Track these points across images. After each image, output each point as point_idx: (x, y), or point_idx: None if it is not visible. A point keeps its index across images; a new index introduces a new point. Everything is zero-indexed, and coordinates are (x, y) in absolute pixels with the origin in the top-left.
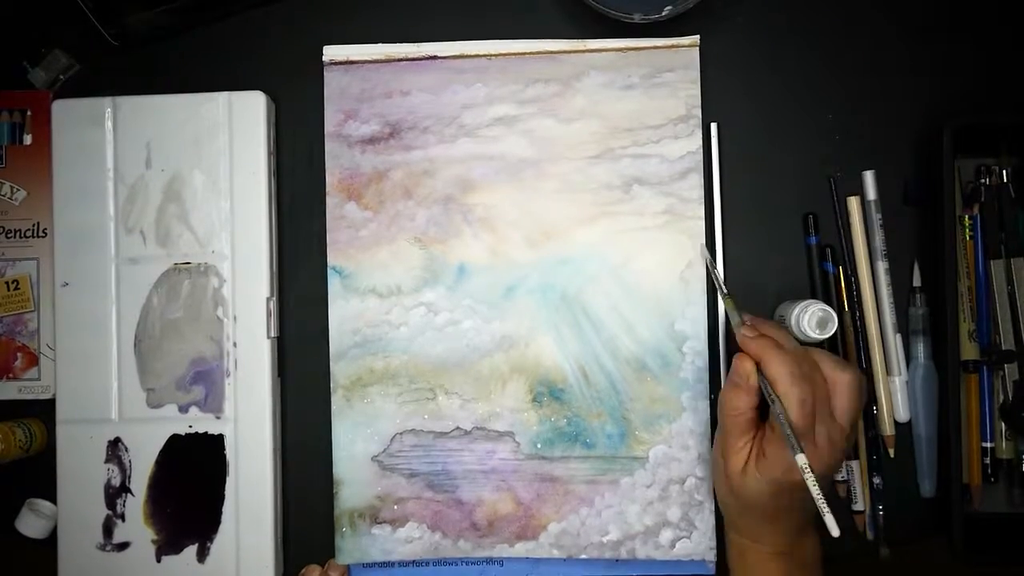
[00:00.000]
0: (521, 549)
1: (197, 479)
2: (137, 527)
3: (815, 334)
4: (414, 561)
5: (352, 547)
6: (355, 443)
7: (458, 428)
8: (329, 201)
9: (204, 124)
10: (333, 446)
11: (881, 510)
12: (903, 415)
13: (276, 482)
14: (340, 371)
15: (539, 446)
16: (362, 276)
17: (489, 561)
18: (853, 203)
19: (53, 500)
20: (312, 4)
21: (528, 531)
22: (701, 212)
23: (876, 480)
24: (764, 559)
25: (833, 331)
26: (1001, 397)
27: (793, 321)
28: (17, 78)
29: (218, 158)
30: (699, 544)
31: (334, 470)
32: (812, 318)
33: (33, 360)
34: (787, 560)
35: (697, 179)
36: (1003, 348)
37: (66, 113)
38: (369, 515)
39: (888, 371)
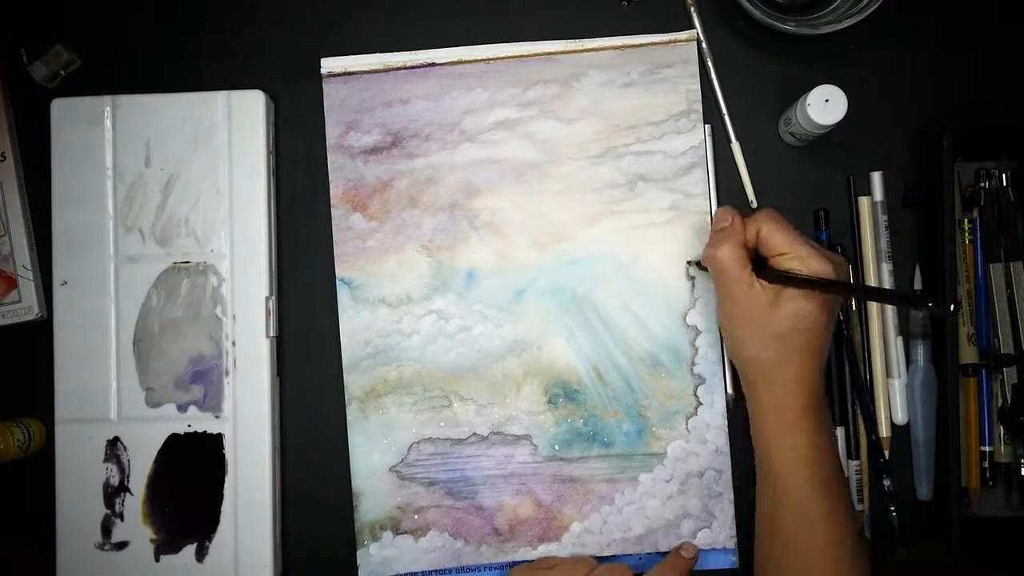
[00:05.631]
0: (544, 551)
1: (196, 478)
2: (136, 526)
3: (819, 118)
4: (437, 570)
5: (375, 559)
6: (372, 455)
7: (475, 434)
8: (334, 213)
9: (203, 123)
10: (350, 459)
11: (894, 511)
12: (901, 418)
13: (275, 481)
14: (353, 383)
15: (557, 448)
16: (371, 287)
17: (513, 565)
18: (864, 203)
19: (52, 500)
20: (311, 6)
21: (550, 533)
22: (706, 207)
23: (887, 482)
24: (794, 419)
25: (842, 116)
26: (1000, 401)
27: (797, 111)
28: (17, 72)
29: (217, 157)
30: (720, 533)
31: (352, 483)
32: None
33: (11, 284)
34: (815, 416)
35: (701, 174)
36: (1002, 352)
37: (65, 112)
38: (390, 526)
39: (888, 373)
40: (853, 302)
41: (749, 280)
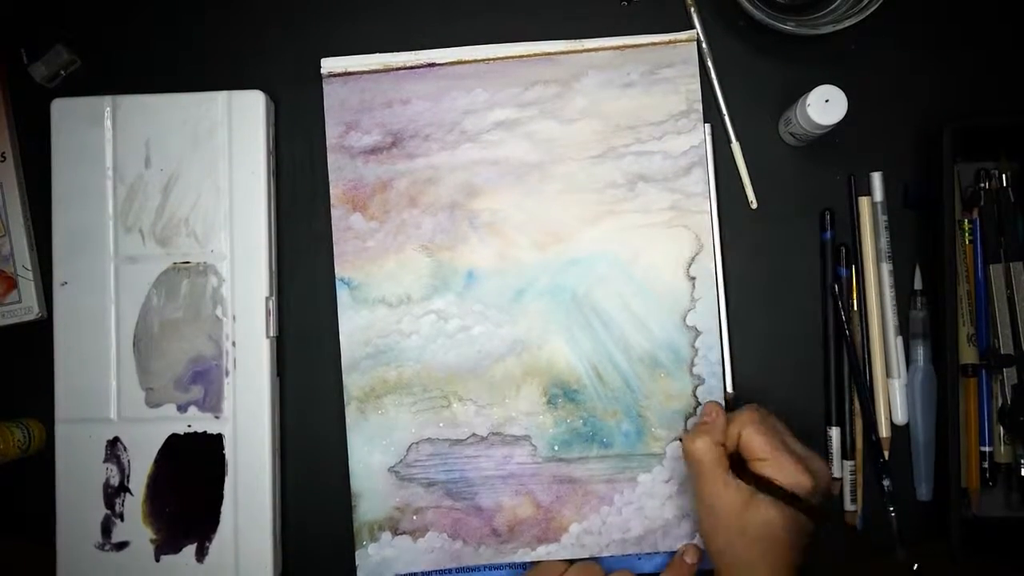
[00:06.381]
0: (543, 552)
1: (196, 479)
2: (136, 527)
3: (819, 118)
4: (436, 570)
5: (374, 560)
6: (371, 455)
7: (474, 435)
8: (334, 213)
9: (204, 123)
10: (349, 459)
11: (893, 511)
12: (901, 418)
13: (275, 482)
14: (353, 383)
15: (556, 448)
16: (371, 287)
17: (511, 566)
18: (864, 203)
19: (52, 500)
20: (311, 6)
21: (549, 534)
22: (706, 207)
23: (886, 482)
24: None
25: (842, 116)
26: (1000, 401)
27: (797, 111)
28: (17, 72)
29: (217, 157)
30: None
31: (351, 484)
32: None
33: (11, 284)
34: None
35: (701, 174)
36: (1002, 352)
37: (65, 112)
38: (389, 527)
39: (888, 374)
40: (855, 302)
41: (724, 478)
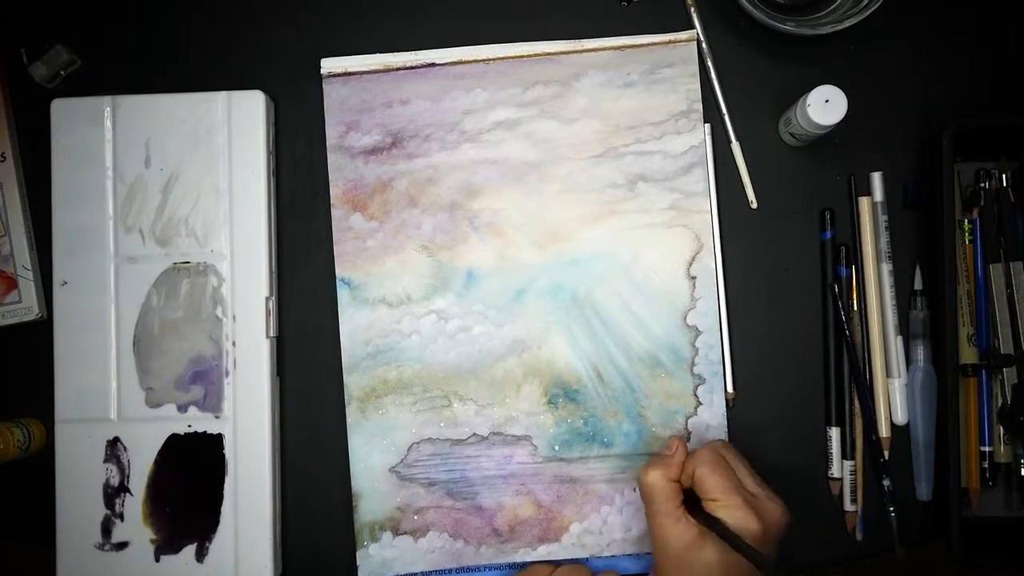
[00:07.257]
0: (544, 552)
1: (196, 479)
2: (136, 527)
3: (819, 118)
4: (437, 570)
5: (374, 560)
6: (372, 455)
7: (475, 434)
8: (334, 213)
9: (203, 123)
10: (350, 459)
11: (893, 511)
12: (901, 418)
13: (275, 482)
14: (353, 383)
15: (557, 448)
16: (371, 287)
17: (512, 566)
18: (864, 203)
19: (52, 500)
20: (311, 6)
21: (550, 533)
22: (706, 206)
23: (886, 482)
24: None
25: (842, 116)
26: (1000, 401)
27: (797, 111)
28: (17, 72)
29: (217, 157)
30: None
31: (352, 484)
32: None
33: (12, 284)
34: None
35: (701, 173)
36: (1002, 352)
37: (65, 112)
38: (390, 527)
39: (888, 373)
40: (855, 302)
41: (674, 513)
